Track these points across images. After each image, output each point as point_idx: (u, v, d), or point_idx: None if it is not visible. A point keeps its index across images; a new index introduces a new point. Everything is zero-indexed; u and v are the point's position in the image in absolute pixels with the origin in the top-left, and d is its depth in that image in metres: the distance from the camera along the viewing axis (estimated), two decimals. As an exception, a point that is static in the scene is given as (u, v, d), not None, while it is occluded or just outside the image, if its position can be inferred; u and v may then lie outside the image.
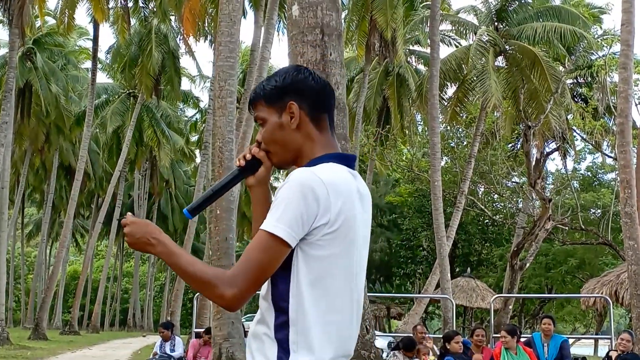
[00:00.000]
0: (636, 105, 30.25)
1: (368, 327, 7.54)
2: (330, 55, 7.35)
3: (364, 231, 2.40)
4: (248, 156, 2.47)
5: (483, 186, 34.75)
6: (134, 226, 2.36)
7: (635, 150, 19.08)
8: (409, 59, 37.81)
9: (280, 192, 2.24)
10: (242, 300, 2.24)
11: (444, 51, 30.73)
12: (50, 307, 37.05)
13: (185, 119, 57.26)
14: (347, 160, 2.41)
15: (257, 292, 2.29)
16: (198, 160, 46.77)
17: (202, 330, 14.49)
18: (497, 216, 35.51)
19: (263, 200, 2.50)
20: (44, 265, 51.96)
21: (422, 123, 40.19)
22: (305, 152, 2.41)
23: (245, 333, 12.95)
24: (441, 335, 13.22)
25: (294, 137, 2.40)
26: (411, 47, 37.78)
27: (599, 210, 36.04)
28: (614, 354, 11.20)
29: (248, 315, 44.13)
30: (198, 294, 16.92)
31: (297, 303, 2.24)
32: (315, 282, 2.25)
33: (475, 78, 28.38)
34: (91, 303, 53.34)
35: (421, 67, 38.33)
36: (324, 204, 2.22)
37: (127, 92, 45.89)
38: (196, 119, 53.91)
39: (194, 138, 55.26)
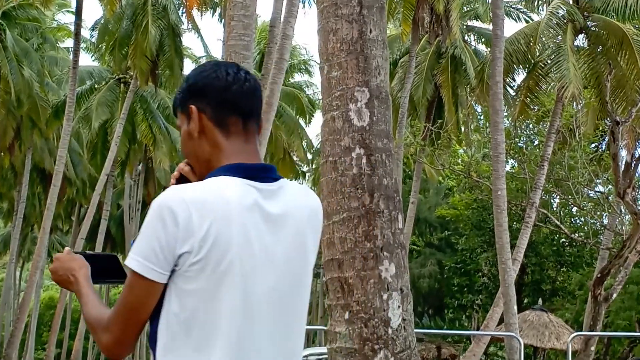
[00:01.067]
0: None
1: (414, 371, 7.53)
2: (370, 32, 7.32)
3: (285, 262, 2.43)
4: (176, 174, 2.65)
5: (558, 197, 34.50)
6: (57, 263, 2.61)
7: None
8: (466, 37, 37.70)
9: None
10: (120, 346, 2.37)
11: (511, 28, 30.60)
12: (20, 342, 37.29)
13: (188, 111, 57.68)
14: (251, 171, 2.45)
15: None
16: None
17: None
18: (577, 234, 35.24)
19: None
20: (12, 290, 52.30)
21: (482, 117, 40.02)
22: (214, 164, 2.49)
23: None
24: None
25: (201, 147, 2.51)
26: (469, 23, 37.67)
27: None
28: None
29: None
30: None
31: (164, 348, 2.33)
32: (188, 324, 2.31)
33: (549, 61, 28.21)
34: (71, 338, 53.51)
35: (482, 47, 38.22)
36: (184, 227, 2.27)
37: (117, 77, 46.17)
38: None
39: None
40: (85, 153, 48.68)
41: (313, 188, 62.73)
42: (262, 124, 2.66)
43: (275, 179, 2.48)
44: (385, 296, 6.89)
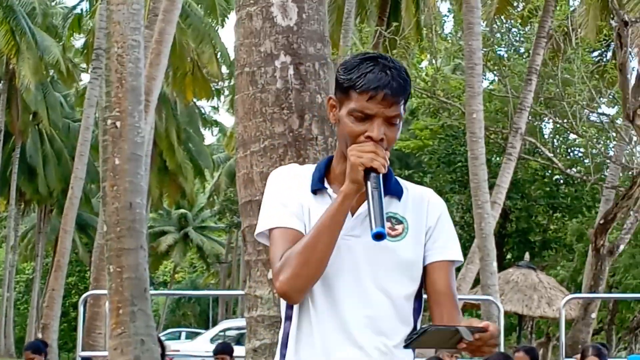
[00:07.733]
0: None
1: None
2: None
3: None
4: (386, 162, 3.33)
5: (551, 120, 34.79)
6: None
7: None
8: None
9: (448, 217, 3.58)
10: None
11: None
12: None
13: (63, 10, 55.97)
14: None
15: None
16: (85, 79, 46.25)
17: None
18: (574, 169, 35.59)
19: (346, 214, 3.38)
20: None
21: (451, 17, 40.04)
22: None
23: (162, 356, 13.00)
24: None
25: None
26: None
27: None
28: None
29: (168, 332, 44.53)
30: (86, 294, 16.95)
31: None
32: None
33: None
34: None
35: None
36: None
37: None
38: (81, 11, 52.55)
39: (77, 43, 54.27)
40: None
41: (230, 110, 62.04)
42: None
43: None
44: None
